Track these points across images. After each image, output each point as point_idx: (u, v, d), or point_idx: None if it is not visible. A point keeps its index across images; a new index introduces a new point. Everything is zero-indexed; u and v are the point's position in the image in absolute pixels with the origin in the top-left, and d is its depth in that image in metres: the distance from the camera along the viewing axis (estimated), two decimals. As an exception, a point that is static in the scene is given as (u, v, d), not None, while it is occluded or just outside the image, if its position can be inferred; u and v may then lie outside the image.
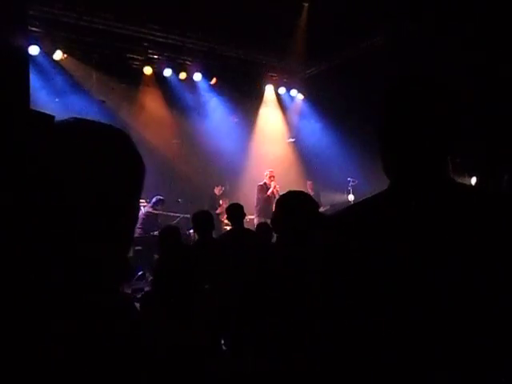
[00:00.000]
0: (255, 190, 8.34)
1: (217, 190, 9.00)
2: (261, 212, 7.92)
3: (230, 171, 9.44)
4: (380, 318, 0.98)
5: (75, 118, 0.77)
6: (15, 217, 0.68)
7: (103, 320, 0.70)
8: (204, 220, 4.33)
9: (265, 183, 8.25)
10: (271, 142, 10.27)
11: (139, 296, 4.46)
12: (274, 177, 8.21)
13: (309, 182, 9.28)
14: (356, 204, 1.20)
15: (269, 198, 8.01)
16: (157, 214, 7.79)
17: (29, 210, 0.68)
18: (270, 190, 8.12)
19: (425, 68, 6.82)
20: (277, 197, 7.97)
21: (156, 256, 6.35)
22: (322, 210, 8.51)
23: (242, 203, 7.90)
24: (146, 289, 5.76)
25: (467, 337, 0.92)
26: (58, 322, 0.66)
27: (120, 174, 0.75)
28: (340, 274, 1.05)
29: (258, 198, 8.07)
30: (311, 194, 8.79)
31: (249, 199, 8.40)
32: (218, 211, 8.37)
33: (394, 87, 1.11)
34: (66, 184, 0.69)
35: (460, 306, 0.92)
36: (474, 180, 7.93)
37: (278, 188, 8.01)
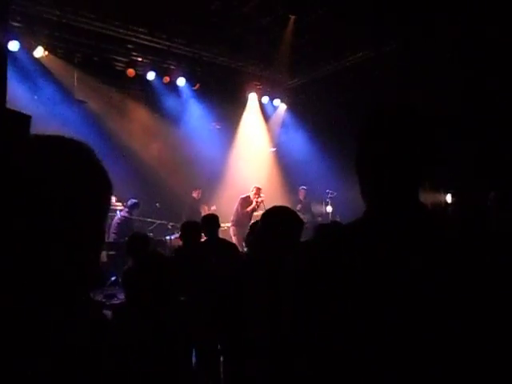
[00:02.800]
0: (235, 199, 8.33)
1: (195, 194, 8.99)
2: (237, 223, 7.89)
3: (209, 177, 9.43)
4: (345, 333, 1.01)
5: (35, 135, 0.77)
6: None
7: (71, 334, 0.69)
8: (193, 231, 4.32)
9: (248, 196, 8.22)
10: (253, 150, 10.29)
11: (111, 303, 4.42)
12: (259, 194, 8.17)
13: (301, 189, 9.20)
14: (334, 231, 1.24)
15: (247, 213, 8.00)
16: (132, 219, 7.65)
17: None
18: (251, 206, 8.11)
19: (408, 85, 6.97)
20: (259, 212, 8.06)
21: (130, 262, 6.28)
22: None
23: (220, 210, 8.00)
24: (120, 295, 5.75)
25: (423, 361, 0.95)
26: (24, 335, 0.65)
27: (84, 188, 0.75)
28: (310, 297, 1.07)
29: (237, 210, 8.03)
30: (302, 201, 8.84)
31: (228, 206, 8.45)
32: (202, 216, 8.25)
33: (369, 116, 1.15)
34: (32, 196, 0.70)
35: (423, 327, 0.96)
36: (449, 197, 8.10)
37: (263, 203, 8.00)
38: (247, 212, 8.04)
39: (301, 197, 9.08)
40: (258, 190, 8.22)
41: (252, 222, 7.30)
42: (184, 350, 2.43)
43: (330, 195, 9.01)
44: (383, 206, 1.09)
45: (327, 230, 3.49)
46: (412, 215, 1.07)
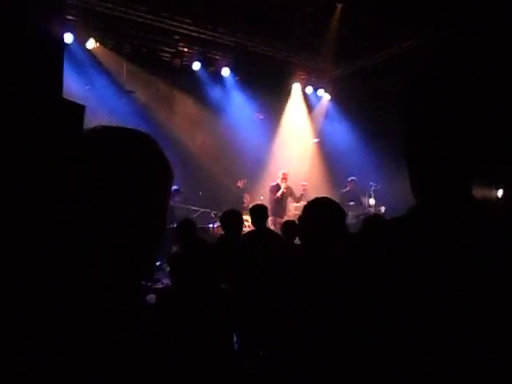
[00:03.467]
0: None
1: (240, 183, 9.00)
2: (273, 212, 7.92)
3: (252, 167, 9.46)
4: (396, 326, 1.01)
5: (102, 126, 0.77)
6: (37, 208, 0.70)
7: (116, 322, 0.70)
8: (233, 219, 4.31)
9: (277, 184, 8.32)
10: (296, 140, 10.23)
11: (156, 287, 4.51)
12: (286, 179, 8.29)
13: (350, 180, 8.98)
14: (383, 224, 1.25)
15: (278, 199, 8.09)
16: (175, 206, 7.74)
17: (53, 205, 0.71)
18: (279, 192, 8.20)
19: (455, 76, 6.69)
20: (288, 197, 8.25)
21: (174, 248, 6.41)
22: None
23: (262, 199, 8.04)
24: (164, 280, 5.87)
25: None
26: (74, 320, 0.66)
27: (149, 180, 0.75)
28: (362, 287, 1.09)
29: (270, 198, 8.15)
30: (352, 192, 8.74)
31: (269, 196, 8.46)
32: (244, 204, 8.32)
33: (421, 110, 1.16)
34: (95, 189, 0.70)
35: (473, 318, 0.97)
36: (500, 192, 7.79)
37: (290, 189, 8.15)
38: (277, 198, 8.12)
39: (350, 188, 8.91)
40: (285, 174, 8.30)
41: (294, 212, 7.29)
42: (225, 335, 2.46)
43: (373, 187, 8.85)
44: (435, 202, 1.09)
45: (374, 223, 3.56)
46: (464, 211, 1.07)
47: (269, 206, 7.77)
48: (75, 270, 0.69)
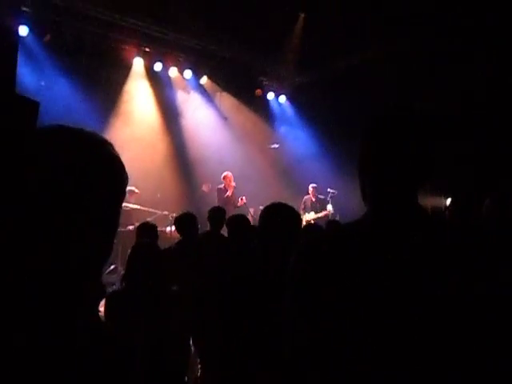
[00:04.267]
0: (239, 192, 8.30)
1: (205, 187, 8.87)
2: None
3: (212, 171, 9.39)
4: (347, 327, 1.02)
5: (59, 125, 0.75)
6: None
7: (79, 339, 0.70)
8: (188, 222, 4.30)
9: (224, 186, 8.22)
10: (255, 145, 10.22)
11: (109, 291, 4.45)
12: (231, 179, 8.18)
13: (311, 187, 9.02)
14: (334, 231, 1.26)
15: (228, 200, 7.98)
16: (132, 208, 7.62)
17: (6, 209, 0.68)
18: (228, 192, 8.12)
19: (414, 85, 6.94)
20: (233, 198, 8.09)
21: (129, 251, 6.28)
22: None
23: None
24: (118, 284, 5.79)
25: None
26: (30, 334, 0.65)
27: (102, 183, 0.74)
28: (310, 294, 1.08)
29: (219, 201, 7.96)
30: (312, 199, 8.75)
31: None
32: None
33: (372, 117, 1.18)
34: (45, 189, 0.68)
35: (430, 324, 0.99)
36: (448, 201, 8.10)
37: (234, 187, 8.10)
38: (227, 197, 8.04)
39: (311, 195, 8.94)
40: (229, 177, 8.23)
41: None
42: (181, 339, 2.47)
43: (331, 194, 8.93)
44: (383, 208, 1.12)
45: (317, 229, 3.58)
46: (411, 217, 1.09)
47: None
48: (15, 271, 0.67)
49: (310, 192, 8.97)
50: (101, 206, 0.74)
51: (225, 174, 8.29)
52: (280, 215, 2.08)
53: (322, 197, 8.96)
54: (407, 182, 1.11)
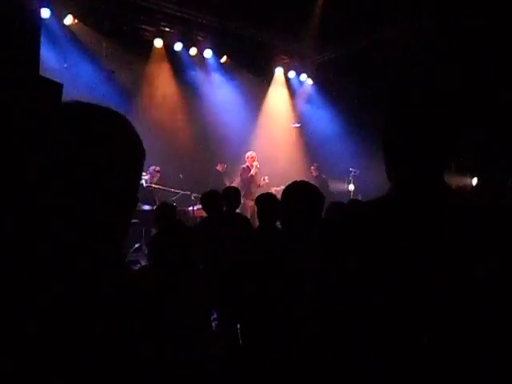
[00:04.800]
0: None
1: (220, 167, 8.92)
2: (246, 194, 7.93)
3: (233, 151, 9.42)
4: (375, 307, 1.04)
5: (76, 102, 0.77)
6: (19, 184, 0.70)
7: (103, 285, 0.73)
8: (213, 200, 4.33)
9: (247, 166, 8.32)
10: (277, 125, 10.18)
11: (135, 268, 4.53)
12: (254, 158, 8.32)
13: (313, 166, 9.21)
14: (360, 207, 1.31)
15: (251, 179, 8.10)
16: (154, 187, 7.67)
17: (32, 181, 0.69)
18: (251, 171, 8.24)
19: (440, 61, 6.75)
20: (257, 177, 8.19)
21: (153, 231, 6.37)
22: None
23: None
24: (143, 262, 5.97)
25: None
26: (56, 284, 0.68)
27: (120, 158, 0.76)
28: (341, 270, 1.11)
29: (243, 180, 8.13)
30: (314, 177, 8.81)
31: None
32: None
33: (399, 97, 1.20)
34: (68, 164, 0.70)
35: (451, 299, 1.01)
36: (475, 180, 7.97)
37: (258, 167, 8.24)
38: (251, 177, 8.14)
39: (313, 174, 9.04)
40: (253, 157, 8.35)
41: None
42: (203, 313, 2.51)
43: (352, 173, 8.90)
44: (408, 185, 1.13)
45: (339, 208, 3.61)
46: (436, 195, 1.11)
47: (242, 189, 7.68)
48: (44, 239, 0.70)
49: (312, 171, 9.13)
50: (117, 178, 0.75)
51: (248, 153, 8.41)
52: (302, 194, 2.08)
53: (324, 177, 9.07)
54: (432, 161, 1.12)
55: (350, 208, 1.99)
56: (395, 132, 1.17)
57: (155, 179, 7.79)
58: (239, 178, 8.32)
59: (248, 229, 4.28)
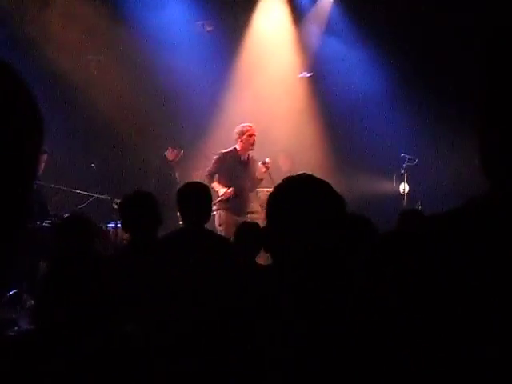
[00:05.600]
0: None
1: (170, 154, 9.25)
2: (225, 203, 8.09)
3: (191, 126, 9.59)
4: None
5: None
6: None
7: None
8: (142, 209, 4.37)
9: (235, 150, 8.47)
10: (271, 75, 10.23)
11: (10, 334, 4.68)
12: (254, 142, 8.45)
13: (282, 155, 9.43)
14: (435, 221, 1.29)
15: (249, 173, 8.29)
16: (42, 187, 7.76)
17: None
18: (243, 157, 8.37)
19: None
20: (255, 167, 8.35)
21: (43, 265, 6.46)
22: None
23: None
24: (22, 322, 5.93)
25: None
26: None
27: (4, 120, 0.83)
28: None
29: (219, 177, 8.23)
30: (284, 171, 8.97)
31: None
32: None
33: (500, 42, 1.16)
34: None
35: None
36: None
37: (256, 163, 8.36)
38: (245, 173, 8.31)
39: (283, 165, 9.33)
40: (251, 130, 8.47)
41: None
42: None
43: (406, 162, 8.93)
44: None
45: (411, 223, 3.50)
46: None
47: (216, 192, 7.94)
48: None
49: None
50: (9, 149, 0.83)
51: (243, 126, 8.52)
52: (300, 202, 2.13)
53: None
54: None
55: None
56: (501, 90, 1.14)
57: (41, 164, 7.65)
58: (212, 170, 8.37)
59: (226, 262, 4.43)
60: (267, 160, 8.38)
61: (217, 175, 8.27)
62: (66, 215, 6.02)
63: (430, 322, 1.15)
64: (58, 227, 4.76)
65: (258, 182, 8.50)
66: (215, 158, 8.38)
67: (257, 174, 8.45)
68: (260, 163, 8.37)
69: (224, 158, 8.32)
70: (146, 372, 2.64)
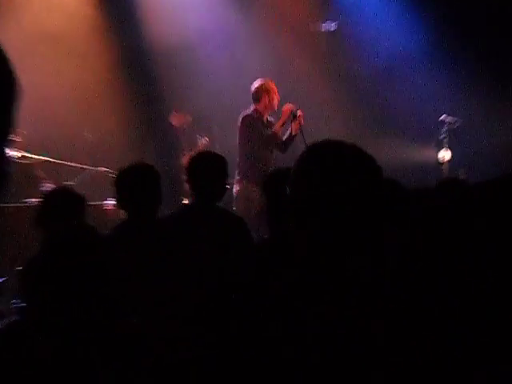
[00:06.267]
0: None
1: (175, 120, 9.38)
2: (248, 174, 7.98)
3: (200, 86, 9.76)
4: None
5: None
6: None
7: None
8: (140, 184, 4.52)
9: (256, 111, 8.10)
10: (293, 27, 10.28)
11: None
12: (274, 90, 8.12)
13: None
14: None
15: (271, 132, 8.01)
16: (25, 158, 7.81)
17: None
18: (263, 118, 8.23)
19: None
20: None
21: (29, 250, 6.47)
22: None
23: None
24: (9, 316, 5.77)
25: None
26: None
27: None
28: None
29: (252, 138, 7.89)
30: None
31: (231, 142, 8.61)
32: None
33: None
34: None
35: None
36: None
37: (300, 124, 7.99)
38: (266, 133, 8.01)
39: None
40: (272, 84, 8.17)
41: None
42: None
43: (448, 125, 8.85)
44: None
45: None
46: None
47: (240, 164, 8.28)
48: None
49: None
50: None
51: (266, 81, 8.22)
52: (332, 168, 2.12)
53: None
54: None
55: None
56: None
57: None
58: (240, 134, 8.14)
59: (239, 247, 4.52)
60: (299, 112, 7.88)
61: (249, 143, 7.93)
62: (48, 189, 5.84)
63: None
64: (41, 203, 4.75)
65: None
66: (246, 122, 7.95)
67: (290, 130, 8.04)
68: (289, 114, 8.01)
69: (254, 120, 7.97)
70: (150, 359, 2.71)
